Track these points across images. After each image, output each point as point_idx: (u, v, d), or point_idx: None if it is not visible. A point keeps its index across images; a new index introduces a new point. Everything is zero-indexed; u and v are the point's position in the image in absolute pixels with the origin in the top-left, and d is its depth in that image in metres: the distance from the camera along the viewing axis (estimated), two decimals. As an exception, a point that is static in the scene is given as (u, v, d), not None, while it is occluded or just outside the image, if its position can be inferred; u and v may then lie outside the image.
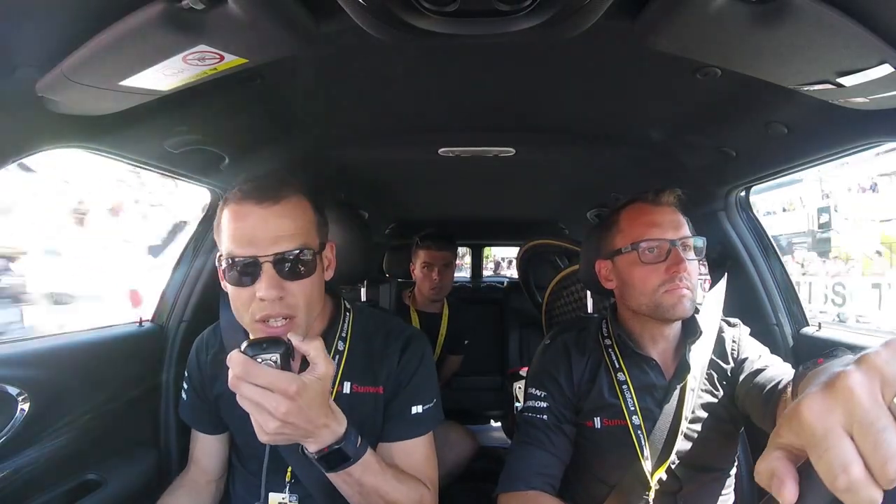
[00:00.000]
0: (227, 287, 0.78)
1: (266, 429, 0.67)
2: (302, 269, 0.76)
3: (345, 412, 0.77)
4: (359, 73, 0.95)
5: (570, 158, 1.56)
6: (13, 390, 0.93)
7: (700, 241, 1.01)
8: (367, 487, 0.79)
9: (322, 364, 0.70)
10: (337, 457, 0.74)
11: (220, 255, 0.78)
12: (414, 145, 1.39)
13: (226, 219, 0.77)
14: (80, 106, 0.79)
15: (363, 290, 1.92)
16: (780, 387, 0.87)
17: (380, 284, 2.24)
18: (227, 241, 0.76)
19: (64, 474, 1.05)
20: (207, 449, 1.02)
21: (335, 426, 0.73)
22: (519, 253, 2.34)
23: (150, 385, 1.33)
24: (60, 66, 0.67)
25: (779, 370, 0.95)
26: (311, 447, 0.73)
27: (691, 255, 0.99)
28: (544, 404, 1.04)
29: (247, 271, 0.74)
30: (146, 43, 0.61)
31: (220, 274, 0.78)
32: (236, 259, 0.75)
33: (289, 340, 0.70)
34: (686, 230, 1.00)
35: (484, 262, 4.11)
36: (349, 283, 1.49)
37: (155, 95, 0.76)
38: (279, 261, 0.74)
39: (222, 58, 0.66)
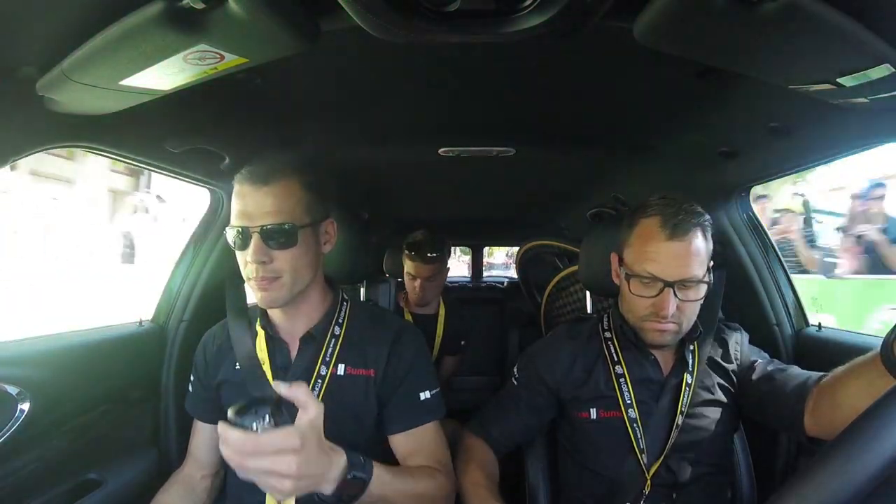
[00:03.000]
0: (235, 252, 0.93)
1: (284, 489, 0.65)
2: (284, 239, 0.88)
3: (339, 393, 0.84)
4: (359, 72, 0.95)
5: (570, 158, 1.55)
6: (13, 390, 0.93)
7: (708, 278, 0.95)
8: (390, 497, 0.79)
9: (312, 406, 0.69)
10: (355, 484, 0.73)
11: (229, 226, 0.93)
12: (414, 145, 1.39)
13: (233, 197, 0.92)
14: (81, 105, 0.79)
15: (363, 291, 1.92)
16: (809, 384, 0.89)
17: (379, 284, 2.24)
18: (232, 214, 0.91)
19: (64, 474, 1.05)
20: (206, 440, 1.05)
21: (338, 458, 0.72)
22: (518, 253, 2.34)
23: (150, 385, 1.33)
24: (60, 65, 0.67)
25: (800, 370, 0.96)
26: (327, 489, 0.71)
27: (691, 294, 0.94)
28: (516, 383, 1.13)
29: (242, 238, 0.89)
30: (146, 42, 0.61)
31: (230, 242, 0.92)
32: (235, 228, 0.90)
33: (274, 393, 0.68)
34: (695, 268, 0.92)
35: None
36: (349, 283, 1.49)
37: (155, 95, 0.76)
38: (264, 232, 0.87)
39: (222, 58, 0.66)
